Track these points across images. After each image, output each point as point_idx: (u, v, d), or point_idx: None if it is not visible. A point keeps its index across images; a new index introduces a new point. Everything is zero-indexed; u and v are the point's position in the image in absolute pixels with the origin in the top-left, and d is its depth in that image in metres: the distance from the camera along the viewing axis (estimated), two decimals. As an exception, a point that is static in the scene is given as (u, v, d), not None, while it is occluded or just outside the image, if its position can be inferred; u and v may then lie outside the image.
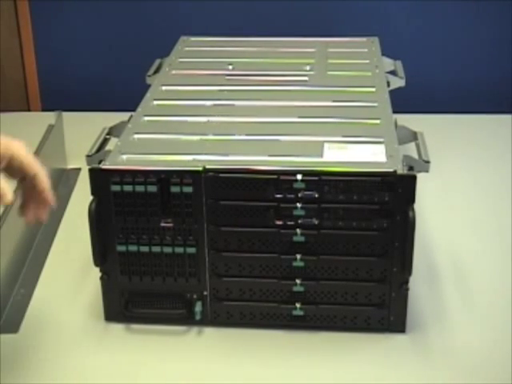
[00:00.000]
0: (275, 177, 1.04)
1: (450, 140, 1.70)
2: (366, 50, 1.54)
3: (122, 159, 1.09)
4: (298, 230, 1.06)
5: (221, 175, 1.04)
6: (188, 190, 1.05)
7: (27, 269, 1.27)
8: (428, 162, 1.08)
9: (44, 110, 2.03)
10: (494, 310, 1.16)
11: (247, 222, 1.07)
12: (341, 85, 1.34)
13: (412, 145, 1.17)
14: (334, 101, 1.27)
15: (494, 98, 1.95)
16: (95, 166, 1.07)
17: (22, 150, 0.97)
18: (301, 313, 1.10)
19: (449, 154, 1.61)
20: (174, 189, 1.05)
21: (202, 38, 1.62)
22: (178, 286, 1.11)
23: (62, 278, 1.24)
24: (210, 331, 1.12)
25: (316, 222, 1.05)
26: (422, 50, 1.96)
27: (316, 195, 1.04)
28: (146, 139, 1.16)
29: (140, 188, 1.05)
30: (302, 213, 1.05)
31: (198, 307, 1.11)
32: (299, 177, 1.03)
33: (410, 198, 1.03)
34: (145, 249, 1.08)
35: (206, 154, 1.09)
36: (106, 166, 1.06)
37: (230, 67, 1.42)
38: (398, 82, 1.45)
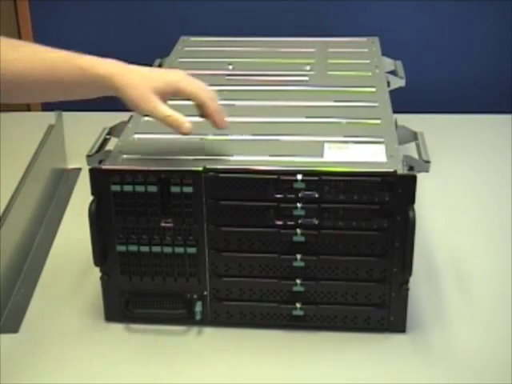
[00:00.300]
0: (275, 177, 1.04)
1: (450, 140, 1.70)
2: (366, 49, 1.54)
3: (122, 159, 1.09)
4: (298, 230, 1.06)
5: (221, 175, 1.04)
6: (188, 190, 1.05)
7: (27, 269, 1.27)
8: (428, 161, 1.08)
9: (44, 109, 2.03)
10: (494, 310, 1.16)
11: (247, 222, 1.07)
12: (341, 85, 1.34)
13: (412, 145, 1.17)
14: (334, 101, 1.27)
15: (494, 98, 1.95)
16: (95, 166, 1.07)
17: (182, 82, 1.03)
18: (301, 313, 1.10)
19: (449, 154, 1.61)
20: (174, 189, 1.05)
21: (202, 37, 1.62)
22: (178, 286, 1.10)
23: (62, 278, 1.24)
24: (210, 331, 1.12)
25: (316, 222, 1.05)
26: (422, 50, 1.96)
27: (316, 195, 1.04)
28: (146, 139, 1.16)
29: (140, 188, 1.05)
30: (302, 213, 1.05)
31: (198, 307, 1.11)
32: (299, 177, 1.03)
33: (410, 198, 1.03)
34: (145, 249, 1.08)
35: (206, 154, 1.09)
36: (106, 166, 1.06)
37: (230, 67, 1.42)
38: (398, 82, 1.45)
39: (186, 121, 1.03)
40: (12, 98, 1.05)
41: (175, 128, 1.03)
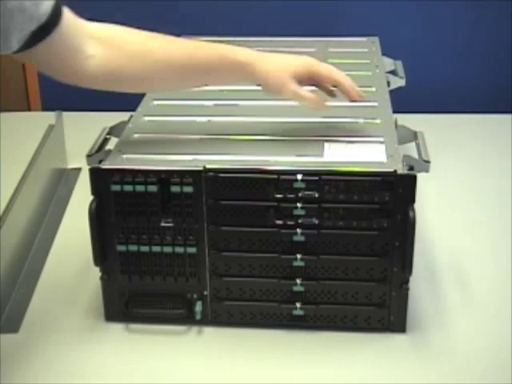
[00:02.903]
0: (275, 177, 1.04)
1: (450, 140, 1.70)
2: (366, 49, 1.54)
3: (122, 159, 1.09)
4: (298, 230, 1.06)
5: (221, 175, 1.04)
6: (188, 189, 1.05)
7: (27, 269, 1.27)
8: (428, 161, 1.08)
9: (44, 109, 2.03)
10: (493, 310, 1.16)
11: (247, 222, 1.07)
12: (341, 85, 1.34)
13: (412, 144, 1.17)
14: (335, 101, 1.27)
15: (494, 98, 1.95)
16: (95, 165, 1.07)
17: (316, 65, 1.11)
18: (301, 313, 1.10)
19: (449, 154, 1.61)
20: (175, 188, 1.05)
21: (202, 37, 1.62)
22: (178, 286, 1.11)
23: (62, 278, 1.24)
24: (210, 331, 1.12)
25: (316, 222, 1.05)
26: (422, 50, 1.96)
27: (316, 195, 1.04)
28: (146, 139, 1.16)
29: (140, 188, 1.05)
30: (302, 212, 1.05)
31: (198, 307, 1.11)
32: (299, 177, 1.03)
33: (410, 198, 1.03)
34: (145, 248, 1.08)
35: (206, 153, 1.09)
36: (106, 165, 1.06)
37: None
38: (398, 82, 1.45)
39: (321, 100, 1.11)
40: (153, 86, 1.13)
41: (316, 108, 1.11)
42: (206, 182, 1.05)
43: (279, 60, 1.10)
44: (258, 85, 1.12)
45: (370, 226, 1.05)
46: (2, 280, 1.17)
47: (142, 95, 1.31)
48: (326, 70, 1.11)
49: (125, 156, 1.09)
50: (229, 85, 1.17)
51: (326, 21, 1.94)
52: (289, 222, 1.06)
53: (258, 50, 1.13)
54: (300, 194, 1.04)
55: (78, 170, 1.56)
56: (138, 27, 2.03)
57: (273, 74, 1.08)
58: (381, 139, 1.13)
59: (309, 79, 1.10)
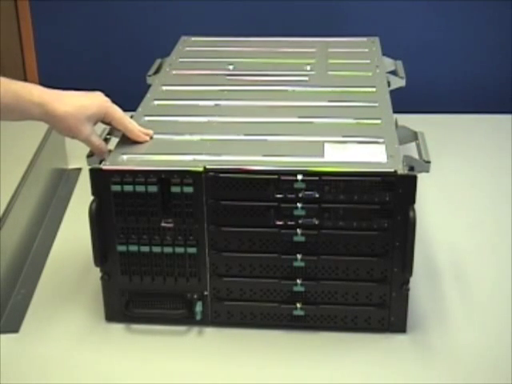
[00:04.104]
0: (276, 177, 1.04)
1: (450, 140, 1.70)
2: (366, 49, 1.54)
3: (123, 159, 1.09)
4: (299, 230, 1.06)
5: (221, 175, 1.04)
6: (188, 190, 1.05)
7: (27, 269, 1.27)
8: (428, 162, 1.08)
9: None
10: (494, 310, 1.16)
11: (248, 222, 1.07)
12: (341, 85, 1.34)
13: (412, 145, 1.17)
14: (335, 101, 1.27)
15: (494, 98, 1.95)
16: (96, 166, 1.07)
17: (111, 107, 1.12)
18: (301, 313, 1.10)
19: (449, 154, 1.61)
20: (175, 189, 1.05)
21: (202, 37, 1.62)
22: (178, 286, 1.11)
23: (62, 278, 1.24)
24: (210, 331, 1.12)
25: (316, 222, 1.05)
26: (422, 50, 1.96)
27: (316, 195, 1.04)
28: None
29: (140, 188, 1.05)
30: (302, 213, 1.05)
31: (199, 307, 1.11)
32: (300, 177, 1.03)
33: (411, 198, 1.03)
34: (145, 249, 1.08)
35: (206, 153, 1.09)
36: (106, 166, 1.06)
37: (231, 67, 1.42)
38: (399, 82, 1.45)
39: (106, 148, 1.12)
40: None
41: (99, 154, 1.12)
42: (206, 182, 1.05)
43: (75, 100, 1.08)
44: (52, 126, 1.11)
45: (370, 227, 1.05)
46: (2, 280, 1.17)
47: (143, 95, 1.31)
48: (119, 115, 1.12)
49: (125, 156, 1.09)
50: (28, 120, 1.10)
51: (326, 21, 1.94)
52: (289, 223, 1.06)
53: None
54: (300, 195, 1.04)
55: (79, 170, 1.56)
56: (139, 27, 2.04)
57: (70, 114, 1.07)
58: (381, 139, 1.13)
59: (102, 119, 1.11)
